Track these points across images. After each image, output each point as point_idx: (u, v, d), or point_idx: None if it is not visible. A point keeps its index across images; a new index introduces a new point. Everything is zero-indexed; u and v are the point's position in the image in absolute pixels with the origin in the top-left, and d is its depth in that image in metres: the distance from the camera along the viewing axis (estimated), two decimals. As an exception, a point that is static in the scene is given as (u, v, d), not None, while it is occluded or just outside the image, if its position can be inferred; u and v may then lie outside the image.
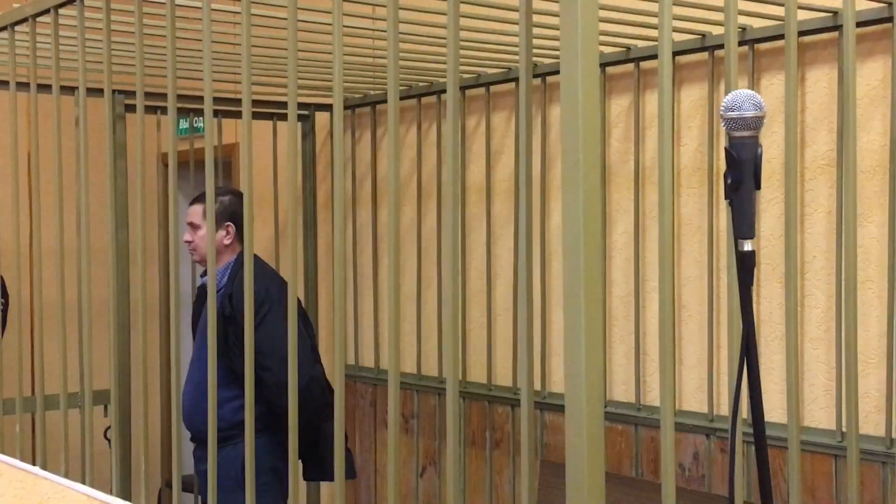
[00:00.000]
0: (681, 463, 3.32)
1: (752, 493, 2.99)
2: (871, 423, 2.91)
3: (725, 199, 1.67)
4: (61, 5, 2.73)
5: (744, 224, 1.66)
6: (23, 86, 3.06)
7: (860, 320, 2.74)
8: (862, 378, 2.85)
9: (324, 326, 4.76)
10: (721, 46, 3.13)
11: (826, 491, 3.00)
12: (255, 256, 2.78)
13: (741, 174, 1.64)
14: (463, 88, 4.01)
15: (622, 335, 3.56)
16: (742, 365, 1.67)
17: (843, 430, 2.93)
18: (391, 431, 2.02)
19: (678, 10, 3.00)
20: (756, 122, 1.64)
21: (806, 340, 3.07)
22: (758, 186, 1.65)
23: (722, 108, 1.66)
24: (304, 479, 3.79)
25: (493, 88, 3.96)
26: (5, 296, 5.11)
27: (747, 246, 1.67)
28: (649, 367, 3.47)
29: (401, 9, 2.03)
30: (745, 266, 1.68)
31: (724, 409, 3.23)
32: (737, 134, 1.65)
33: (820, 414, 3.04)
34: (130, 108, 4.13)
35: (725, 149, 1.67)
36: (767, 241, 3.13)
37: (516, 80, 3.81)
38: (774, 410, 3.04)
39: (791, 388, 2.11)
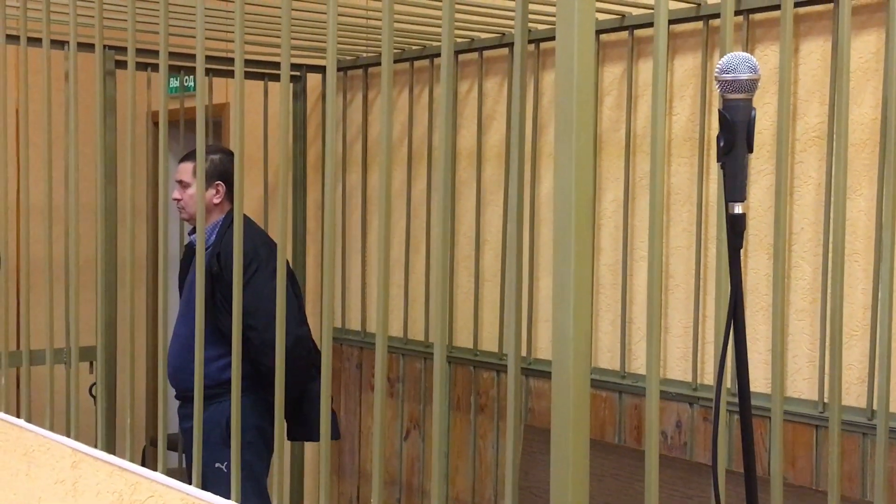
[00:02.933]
0: (664, 431, 3.35)
1: (733, 462, 3.02)
2: (853, 394, 2.93)
3: (718, 161, 1.67)
4: (52, -42, 2.70)
5: (735, 187, 1.66)
6: (12, 39, 3.03)
7: (846, 293, 2.75)
8: (845, 350, 2.87)
9: (311, 288, 4.76)
10: (716, 16, 3.12)
11: (807, 461, 3.03)
12: (244, 216, 2.77)
13: (734, 137, 1.64)
14: (456, 53, 3.99)
15: (609, 303, 3.57)
16: (729, 326, 1.68)
17: (826, 400, 2.95)
18: (377, 395, 2.03)
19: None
20: (751, 85, 1.64)
21: (791, 311, 3.08)
22: (750, 150, 1.65)
23: (717, 69, 1.65)
24: (289, 439, 3.80)
25: (486, 53, 3.94)
26: None
27: (738, 209, 1.67)
28: (635, 335, 3.49)
29: (396, -31, 2.02)
30: (735, 229, 1.68)
31: (708, 378, 3.25)
32: (731, 96, 1.65)
33: (802, 385, 3.07)
34: (121, 65, 4.10)
35: (719, 111, 1.67)
36: (756, 212, 3.14)
37: (510, 45, 3.80)
38: (758, 381, 3.06)
39: (776, 357, 2.13)
